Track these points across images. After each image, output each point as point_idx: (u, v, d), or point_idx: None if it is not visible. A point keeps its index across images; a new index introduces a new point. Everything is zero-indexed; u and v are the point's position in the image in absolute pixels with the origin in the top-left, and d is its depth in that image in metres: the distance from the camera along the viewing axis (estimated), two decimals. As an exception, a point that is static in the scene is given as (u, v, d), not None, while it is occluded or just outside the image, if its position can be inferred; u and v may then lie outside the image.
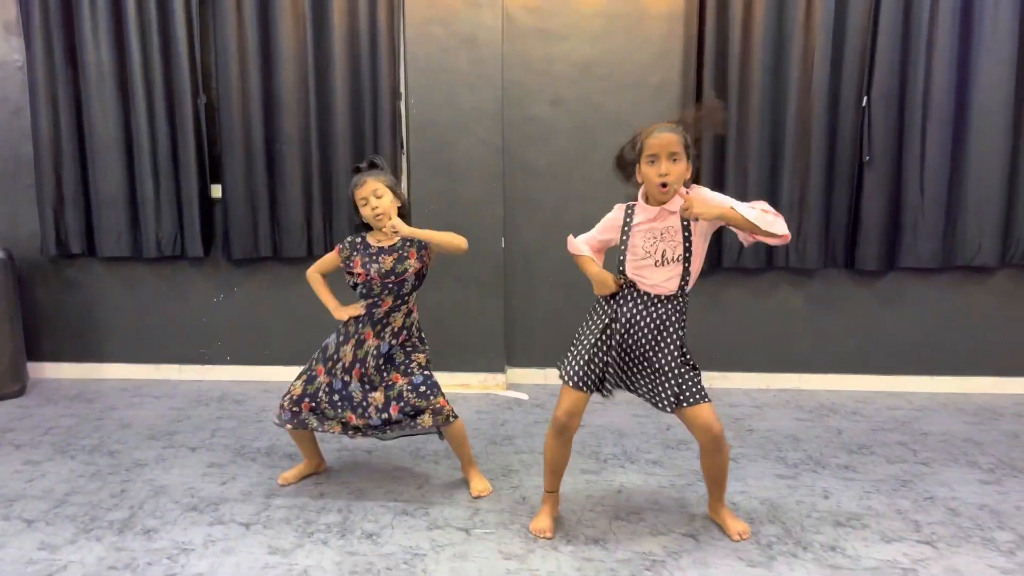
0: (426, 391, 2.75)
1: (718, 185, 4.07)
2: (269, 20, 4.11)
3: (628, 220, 2.46)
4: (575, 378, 2.47)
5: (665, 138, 2.32)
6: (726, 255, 4.15)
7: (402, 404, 2.74)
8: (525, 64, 4.21)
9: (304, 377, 2.85)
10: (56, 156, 4.26)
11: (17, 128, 4.35)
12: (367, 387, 2.79)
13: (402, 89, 4.20)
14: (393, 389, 2.77)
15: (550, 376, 4.44)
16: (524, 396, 4.19)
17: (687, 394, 2.42)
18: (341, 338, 2.83)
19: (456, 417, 2.81)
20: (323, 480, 3.00)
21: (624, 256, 2.46)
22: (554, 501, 2.64)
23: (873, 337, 4.30)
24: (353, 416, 2.80)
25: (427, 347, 2.89)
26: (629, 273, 2.45)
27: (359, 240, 2.83)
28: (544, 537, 2.54)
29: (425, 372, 2.80)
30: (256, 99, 4.16)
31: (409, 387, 2.75)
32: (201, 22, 4.18)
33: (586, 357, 2.47)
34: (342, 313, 2.83)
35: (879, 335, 4.30)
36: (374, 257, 2.77)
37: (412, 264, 2.76)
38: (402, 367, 2.79)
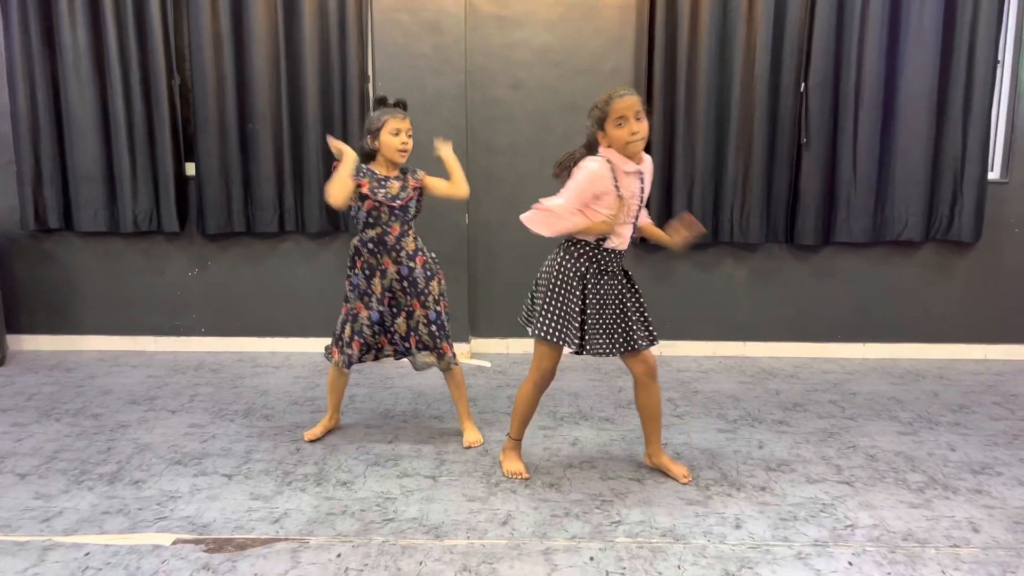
0: (436, 331, 3.02)
1: (667, 162, 4.31)
2: (242, 4, 4.23)
3: (614, 174, 2.53)
4: (558, 335, 2.62)
5: (630, 100, 2.47)
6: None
7: (418, 337, 3.02)
8: (487, 50, 4.38)
9: (349, 319, 3.04)
10: (34, 134, 4.34)
11: (-5, 107, 4.42)
12: (395, 311, 3.01)
13: (370, 72, 4.35)
14: (412, 317, 3.01)
15: (512, 345, 4.66)
16: (487, 364, 4.41)
17: (654, 332, 2.71)
18: (367, 272, 2.99)
19: (456, 364, 3.10)
20: (299, 438, 3.19)
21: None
22: (519, 446, 2.90)
23: (810, 307, 4.57)
24: (386, 342, 3.06)
25: (439, 266, 3.10)
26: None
27: (364, 167, 3.00)
28: (523, 477, 2.80)
29: (437, 308, 3.04)
30: (229, 80, 4.28)
31: (425, 320, 3.00)
32: (175, 5, 4.29)
33: (566, 316, 2.61)
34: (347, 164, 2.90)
35: (816, 305, 4.56)
36: (381, 183, 2.95)
37: (410, 191, 3.00)
38: (421, 295, 3.00)
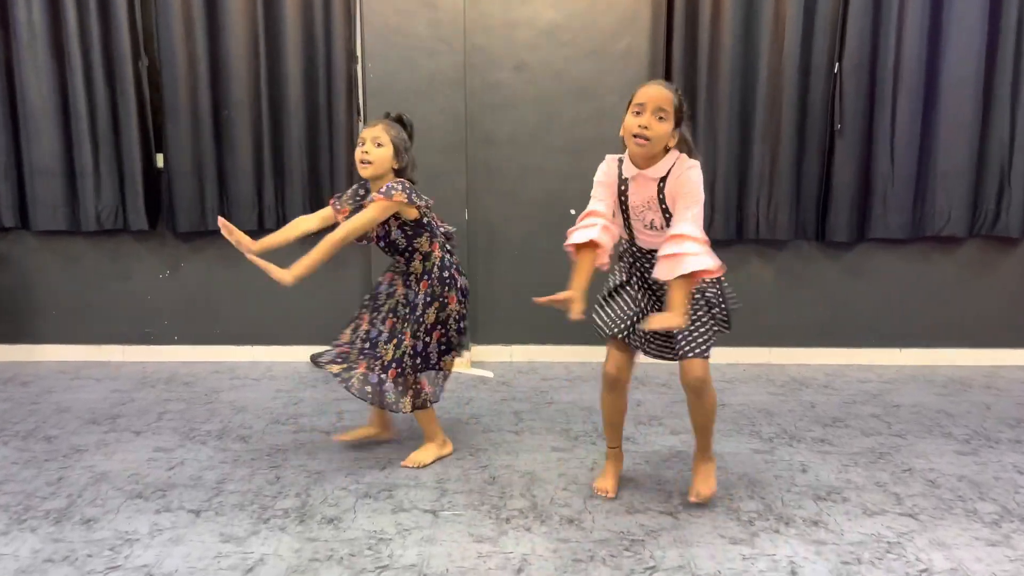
0: (420, 364, 2.78)
1: (688, 155, 4.05)
2: (216, -22, 3.98)
3: (624, 184, 2.40)
4: (607, 325, 2.50)
5: (655, 91, 2.25)
6: (695, 227, 4.15)
7: (398, 371, 2.76)
8: (487, 28, 4.14)
9: (351, 325, 2.93)
10: (-15, 123, 4.10)
11: (-58, 94, 4.16)
12: (391, 337, 2.82)
13: (358, 52, 4.10)
14: (400, 348, 2.76)
15: (515, 353, 4.40)
16: (489, 374, 4.12)
17: (691, 345, 2.44)
18: (387, 287, 2.89)
19: (389, 409, 2.79)
20: (279, 463, 2.87)
21: (627, 218, 2.44)
22: (616, 457, 2.66)
23: (842, 309, 4.35)
24: (363, 366, 2.80)
25: (445, 291, 2.79)
26: (625, 228, 2.48)
27: (361, 191, 2.84)
28: (607, 496, 2.57)
29: (427, 339, 2.78)
30: (202, 62, 4.04)
31: (411, 353, 2.76)
32: (142, -21, 4.03)
33: (611, 304, 2.52)
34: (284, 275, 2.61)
35: (848, 307, 4.35)
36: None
37: (387, 226, 2.74)
38: (415, 324, 2.77)
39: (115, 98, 4.07)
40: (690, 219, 2.27)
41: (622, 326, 2.48)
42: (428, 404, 2.83)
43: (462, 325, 2.87)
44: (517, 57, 4.15)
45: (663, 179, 2.31)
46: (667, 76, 4.01)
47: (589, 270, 2.38)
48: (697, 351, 2.44)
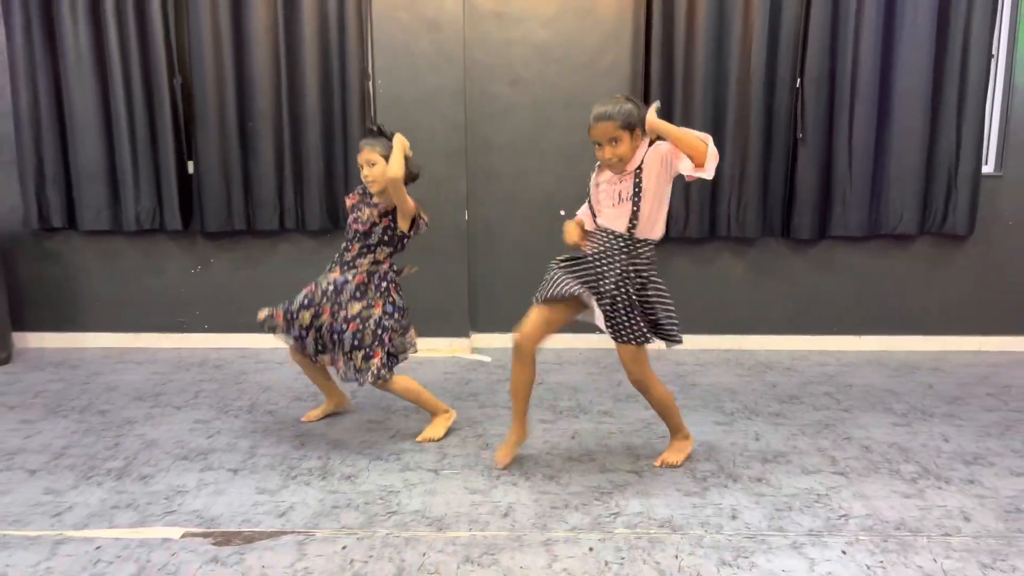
0: (336, 339, 2.99)
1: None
2: (242, 3, 4.25)
3: (596, 178, 2.77)
4: (535, 298, 2.76)
5: (600, 129, 2.58)
6: (672, 226, 4.41)
7: (317, 337, 3.05)
8: (485, 46, 4.41)
9: (275, 309, 3.14)
10: (36, 133, 4.36)
11: (-2, 106, 4.44)
12: (306, 304, 3.05)
13: (370, 70, 4.37)
14: (318, 319, 3.02)
15: (511, 340, 4.62)
16: (487, 359, 4.44)
17: (620, 331, 2.70)
18: (328, 267, 3.13)
19: (350, 380, 3.00)
20: (303, 433, 3.22)
21: (593, 201, 2.77)
22: (520, 426, 2.87)
23: (807, 300, 4.61)
24: (306, 315, 3.04)
25: (375, 296, 3.02)
26: (589, 206, 2.78)
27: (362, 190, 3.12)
28: (496, 466, 2.85)
29: (344, 325, 2.96)
30: (229, 78, 4.30)
31: (328, 329, 3.00)
32: (176, 4, 4.31)
33: (547, 278, 2.74)
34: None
35: (812, 299, 4.60)
36: (364, 204, 3.04)
37: (370, 215, 3.00)
38: (335, 305, 3.00)
39: (152, 111, 4.34)
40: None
41: (546, 294, 2.69)
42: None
43: (391, 341, 3.04)
44: (513, 72, 4.43)
45: (638, 169, 2.62)
46: (646, 88, 4.27)
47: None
48: (629, 336, 2.70)
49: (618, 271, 2.68)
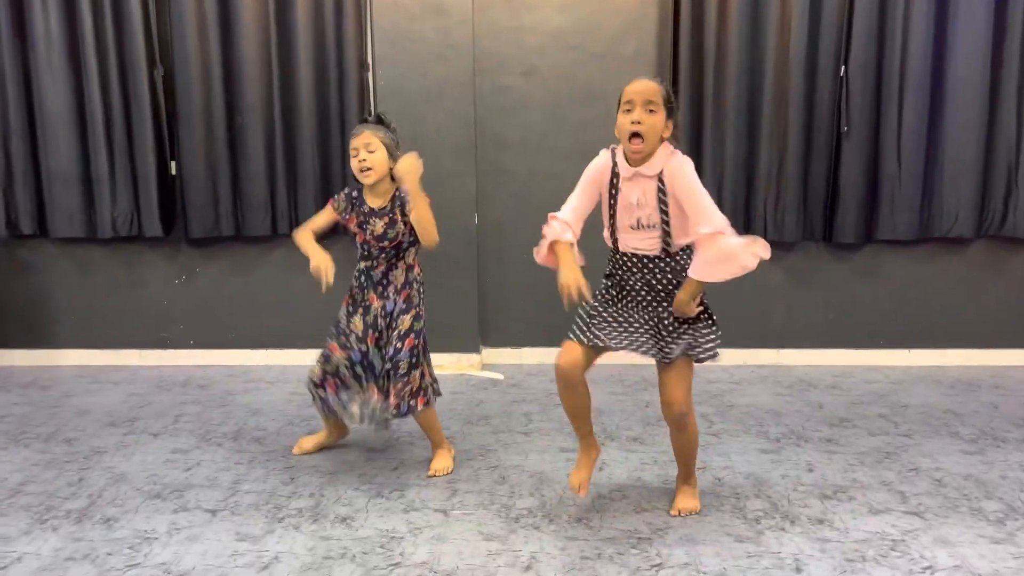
0: (390, 370, 2.73)
1: (695, 153, 4.06)
2: (228, -13, 4.03)
3: (615, 172, 2.35)
4: (575, 333, 2.38)
5: (642, 85, 2.23)
6: (703, 229, 4.14)
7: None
8: (495, 33, 4.17)
9: (321, 358, 2.82)
10: (4, 131, 4.15)
11: (-38, 103, 4.22)
12: (384, 352, 2.76)
13: (369, 60, 4.13)
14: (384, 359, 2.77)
15: (525, 355, 4.43)
16: (499, 376, 4.15)
17: (667, 350, 2.36)
18: (350, 309, 2.82)
19: (401, 415, 2.74)
20: (293, 464, 2.92)
21: (612, 215, 2.37)
22: (587, 446, 2.50)
23: (850, 311, 4.35)
24: (375, 389, 2.76)
25: (422, 301, 2.83)
26: (609, 227, 2.41)
27: (355, 195, 2.79)
28: (578, 494, 2.47)
29: (398, 345, 2.73)
30: (216, 70, 4.08)
31: (389, 357, 2.74)
32: (157, -12, 4.08)
33: (586, 315, 2.39)
34: (321, 258, 2.65)
35: (856, 309, 4.35)
36: (367, 218, 2.74)
37: (401, 228, 2.72)
38: (393, 330, 2.76)
39: (130, 106, 4.11)
40: (710, 213, 2.21)
41: (586, 335, 2.37)
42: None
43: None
44: (526, 61, 4.18)
45: (660, 177, 2.27)
46: (674, 79, 4.02)
47: (574, 255, 2.33)
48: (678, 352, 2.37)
49: (661, 291, 2.37)
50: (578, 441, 2.53)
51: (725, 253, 2.19)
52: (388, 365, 2.73)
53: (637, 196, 2.30)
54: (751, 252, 2.20)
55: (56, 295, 4.42)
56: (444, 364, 4.24)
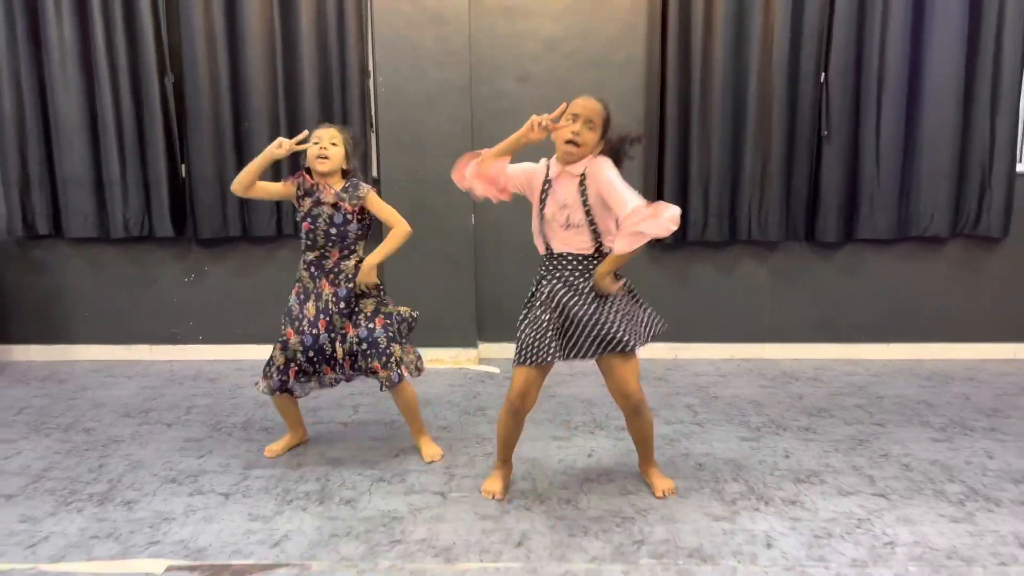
0: (367, 349, 2.83)
1: (682, 157, 4.18)
2: (236, -3, 4.12)
3: (548, 175, 2.53)
4: (521, 356, 2.52)
5: (590, 103, 2.43)
6: (691, 230, 4.26)
7: (353, 359, 2.87)
8: (492, 41, 4.26)
9: (279, 345, 2.89)
10: (20, 136, 4.23)
11: (-21, 109, 4.30)
12: (334, 336, 2.86)
13: (370, 67, 4.23)
14: (346, 341, 2.86)
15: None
16: (495, 370, 4.27)
17: (620, 341, 2.45)
18: (302, 297, 2.90)
19: (394, 383, 2.85)
20: (300, 452, 3.05)
21: (543, 218, 2.54)
22: (507, 470, 2.72)
23: (832, 307, 4.45)
24: (329, 369, 2.90)
25: (382, 291, 2.96)
26: (540, 232, 2.56)
27: (311, 184, 2.89)
28: (495, 498, 2.62)
29: (370, 325, 2.85)
30: (223, 77, 4.17)
31: (356, 340, 2.85)
32: (167, -1, 4.17)
33: (528, 333, 2.52)
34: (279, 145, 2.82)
35: (838, 305, 4.45)
36: (317, 205, 2.85)
37: (348, 216, 2.85)
38: (353, 316, 2.88)
39: (141, 111, 4.20)
40: (627, 198, 2.35)
41: (533, 355, 2.49)
42: (384, 387, 2.91)
43: (403, 326, 2.97)
44: (521, 68, 4.27)
45: (582, 178, 2.44)
46: (662, 84, 4.12)
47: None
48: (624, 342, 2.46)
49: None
50: (498, 464, 2.70)
51: (638, 226, 2.33)
52: (364, 347, 2.83)
53: (564, 196, 2.47)
54: (659, 224, 2.32)
55: (71, 293, 4.52)
56: (443, 358, 4.38)
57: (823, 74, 4.11)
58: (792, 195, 4.23)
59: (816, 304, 4.45)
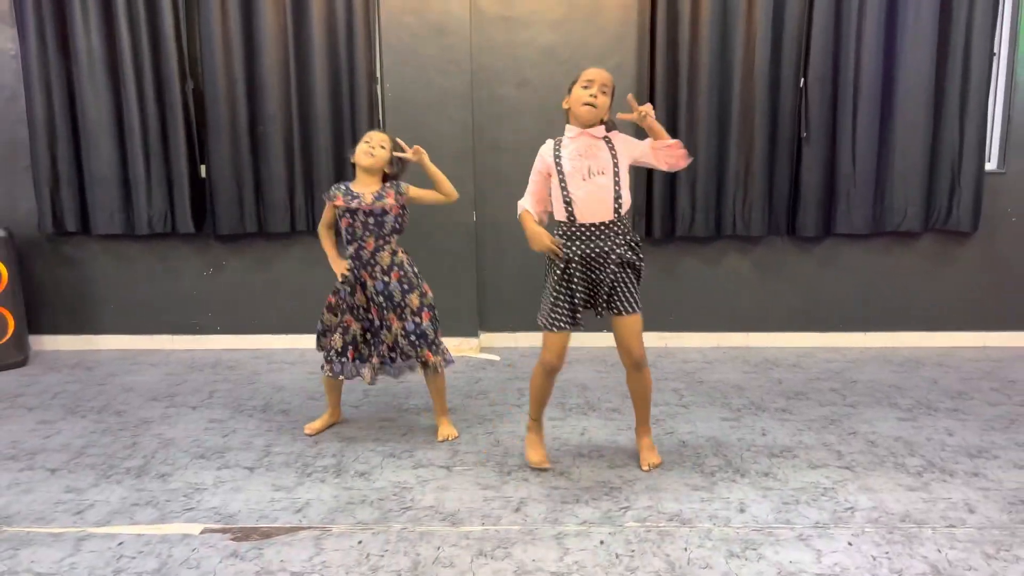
0: (416, 340, 3.07)
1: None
2: (252, 9, 4.32)
3: (558, 149, 2.73)
4: (548, 322, 2.77)
5: (602, 72, 2.68)
6: (679, 225, 4.47)
7: (400, 349, 3.09)
8: (492, 50, 4.46)
9: (340, 330, 3.11)
10: (51, 139, 4.42)
11: (13, 113, 4.51)
12: (379, 324, 3.09)
13: (378, 74, 4.43)
14: (391, 331, 3.07)
15: (520, 339, 4.74)
16: (496, 358, 4.49)
17: (625, 303, 2.72)
18: (348, 290, 3.09)
19: (442, 369, 3.14)
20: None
21: (563, 179, 2.69)
22: (541, 433, 2.95)
23: (812, 298, 4.65)
24: (377, 358, 3.11)
25: (422, 282, 3.14)
26: (563, 195, 2.69)
27: (344, 185, 3.11)
28: (543, 468, 2.85)
29: (416, 319, 3.07)
30: (240, 83, 4.37)
31: (403, 332, 3.06)
32: (187, 11, 4.37)
33: (552, 301, 2.75)
34: (338, 266, 3.13)
35: (818, 296, 4.64)
36: (355, 195, 3.05)
37: (389, 202, 3.04)
38: (397, 308, 3.07)
39: (164, 115, 4.40)
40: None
41: (561, 321, 2.73)
42: (427, 372, 3.17)
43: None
44: (520, 74, 4.48)
45: (608, 140, 2.69)
46: (651, 89, 4.32)
47: (532, 218, 2.77)
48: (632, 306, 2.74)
49: (617, 257, 2.73)
50: (531, 424, 2.93)
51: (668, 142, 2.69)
52: (413, 338, 3.06)
53: (583, 147, 2.69)
54: (683, 153, 2.72)
55: (98, 286, 4.72)
56: (447, 347, 4.60)
57: (802, 79, 4.30)
58: (774, 192, 4.41)
59: (797, 295, 4.64)
